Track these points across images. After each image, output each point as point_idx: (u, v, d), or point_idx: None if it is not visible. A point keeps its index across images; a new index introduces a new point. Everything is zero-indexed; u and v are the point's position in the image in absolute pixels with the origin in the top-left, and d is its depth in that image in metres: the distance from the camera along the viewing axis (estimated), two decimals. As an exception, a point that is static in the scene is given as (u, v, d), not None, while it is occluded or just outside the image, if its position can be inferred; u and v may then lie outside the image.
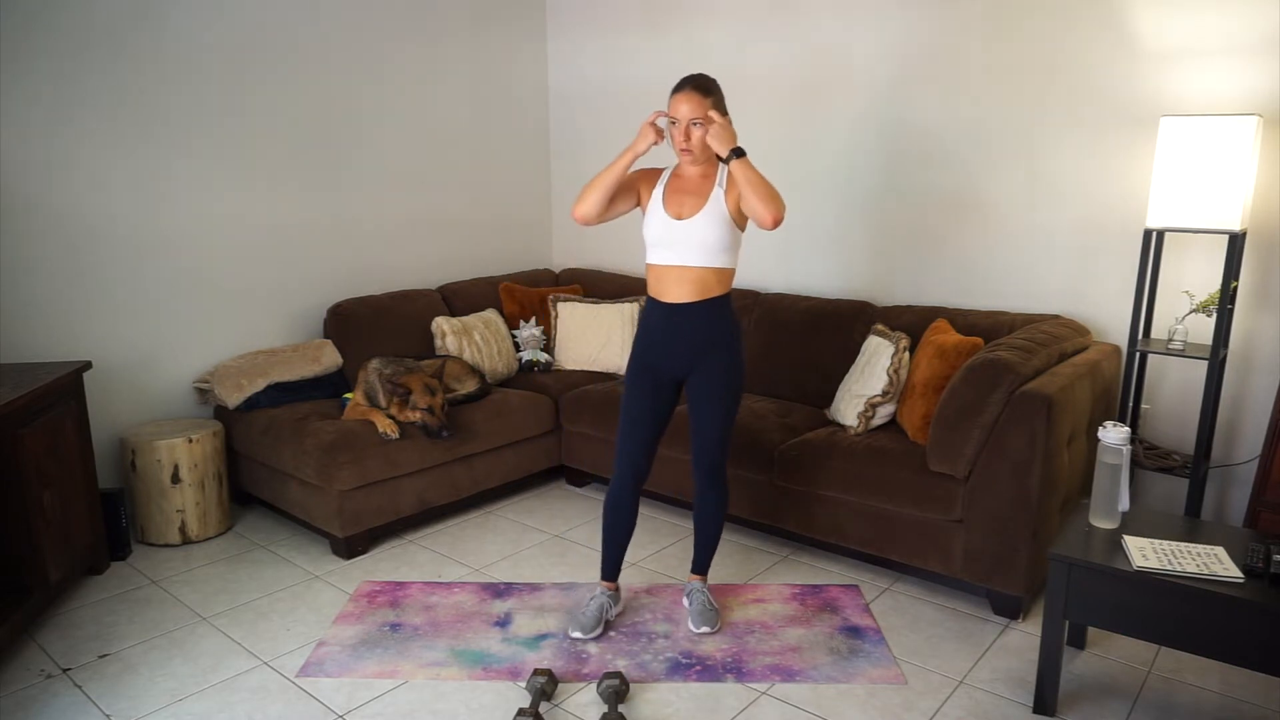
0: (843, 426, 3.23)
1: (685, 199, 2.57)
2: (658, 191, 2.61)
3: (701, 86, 2.50)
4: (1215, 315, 2.89)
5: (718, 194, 2.55)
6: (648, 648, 2.65)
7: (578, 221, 2.60)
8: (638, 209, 2.67)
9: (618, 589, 2.83)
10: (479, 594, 2.99)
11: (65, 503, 2.89)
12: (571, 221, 4.05)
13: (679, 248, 2.54)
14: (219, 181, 3.67)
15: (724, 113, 2.56)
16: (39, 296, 3.24)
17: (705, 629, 2.69)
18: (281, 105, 3.82)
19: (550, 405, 3.87)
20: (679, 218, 2.55)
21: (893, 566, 3.09)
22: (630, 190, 2.63)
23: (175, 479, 3.30)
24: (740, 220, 2.57)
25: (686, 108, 2.49)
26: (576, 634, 2.66)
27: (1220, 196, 2.76)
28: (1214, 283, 2.98)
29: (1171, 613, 2.11)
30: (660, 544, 3.37)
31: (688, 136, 2.50)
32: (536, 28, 4.80)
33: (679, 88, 2.51)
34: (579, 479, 4.02)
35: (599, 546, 3.33)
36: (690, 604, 2.78)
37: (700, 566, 2.84)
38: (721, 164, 2.57)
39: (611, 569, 2.80)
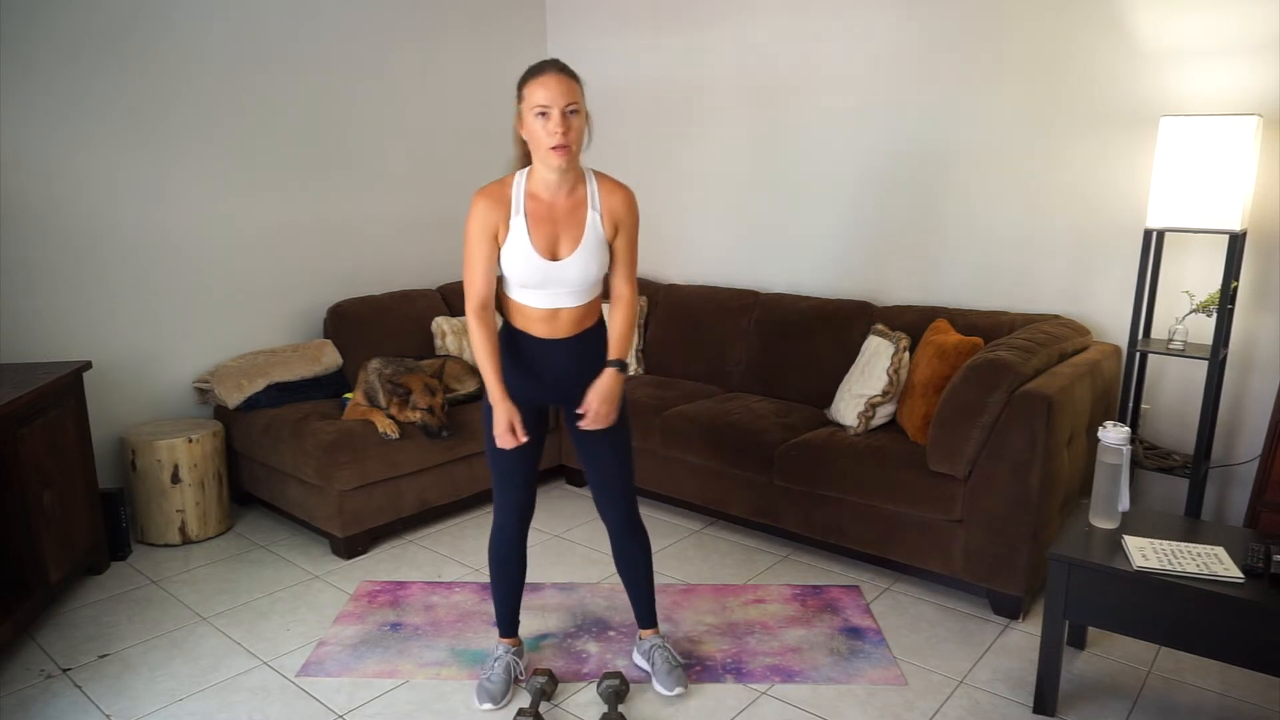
0: (843, 426, 3.22)
1: (557, 231, 2.13)
2: (516, 222, 2.11)
3: (567, 69, 2.05)
4: (1215, 315, 2.89)
5: (594, 220, 2.14)
6: (648, 648, 2.65)
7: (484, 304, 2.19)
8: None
9: (521, 644, 2.52)
10: (479, 594, 2.99)
11: (65, 503, 2.89)
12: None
13: (552, 289, 2.15)
14: (219, 181, 3.67)
15: (585, 105, 2.09)
16: (39, 296, 3.24)
17: (679, 689, 2.38)
18: (282, 105, 3.82)
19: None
20: (554, 258, 2.13)
21: (893, 566, 3.09)
22: (495, 245, 2.14)
23: (175, 479, 3.30)
24: (612, 238, 2.22)
25: (560, 92, 2.00)
26: (486, 706, 2.33)
27: (1220, 196, 2.75)
28: (1214, 283, 2.98)
29: (1171, 613, 2.11)
30: (660, 544, 3.36)
31: (566, 128, 2.01)
32: (536, 28, 4.80)
33: (540, 70, 2.03)
34: (579, 479, 4.02)
35: (599, 546, 3.35)
36: (653, 665, 2.44)
37: (649, 620, 2.51)
38: (589, 173, 2.18)
39: (511, 624, 2.48)
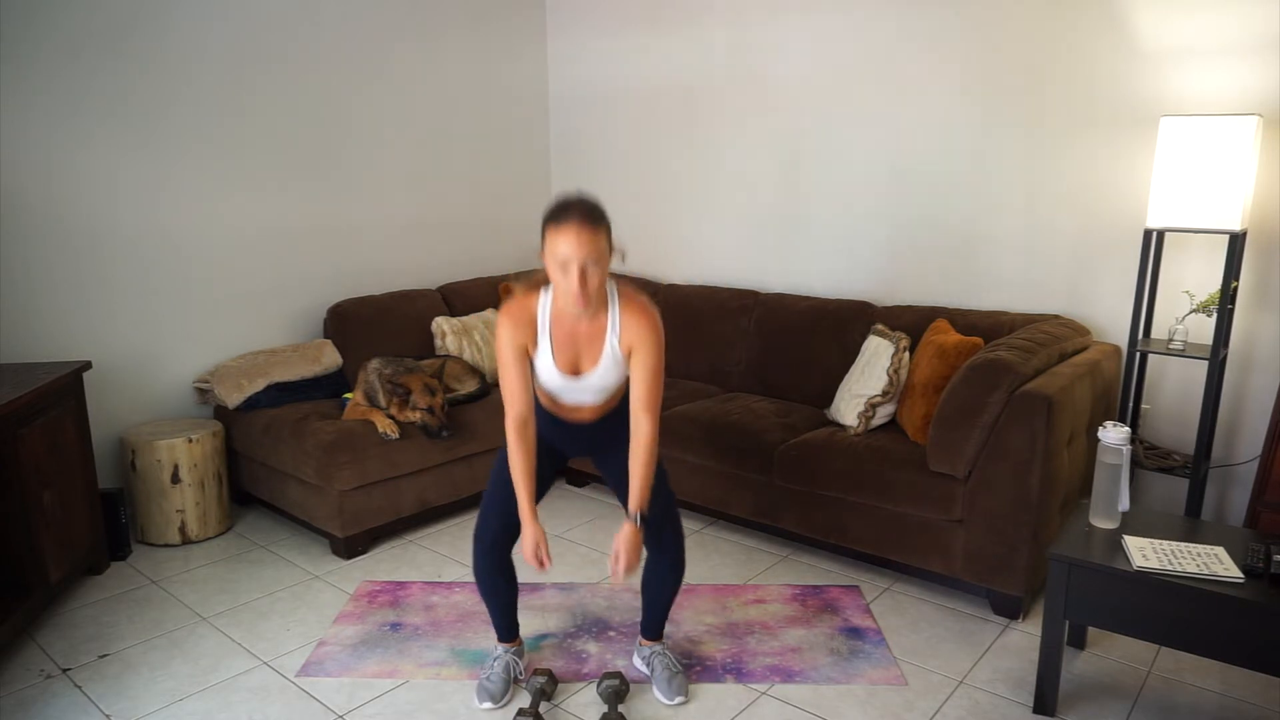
0: (843, 426, 3.22)
1: (578, 353, 2.21)
2: (543, 343, 2.19)
3: (591, 215, 2.02)
4: (1215, 315, 2.89)
5: (612, 343, 2.18)
6: (648, 648, 2.65)
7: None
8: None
9: (521, 644, 2.53)
10: (479, 594, 2.98)
11: (65, 503, 2.89)
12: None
13: (575, 394, 2.26)
14: (219, 182, 3.67)
15: (610, 242, 2.07)
16: (39, 296, 3.24)
17: (679, 699, 2.37)
18: (282, 105, 3.82)
19: (550, 405, 3.87)
20: (575, 374, 2.22)
21: (893, 566, 3.09)
22: (527, 359, 2.23)
23: (175, 479, 3.30)
24: (629, 355, 2.22)
25: (578, 246, 1.98)
26: (486, 706, 2.35)
27: (1220, 196, 2.75)
28: (1214, 283, 2.98)
29: (1171, 613, 2.11)
30: (660, 544, 3.36)
31: (584, 282, 2.01)
32: (536, 28, 4.80)
33: (560, 217, 2.01)
34: (579, 479, 4.01)
35: (599, 546, 3.35)
36: (653, 672, 2.44)
37: (655, 631, 2.50)
38: (614, 295, 2.18)
39: (510, 629, 2.50)
